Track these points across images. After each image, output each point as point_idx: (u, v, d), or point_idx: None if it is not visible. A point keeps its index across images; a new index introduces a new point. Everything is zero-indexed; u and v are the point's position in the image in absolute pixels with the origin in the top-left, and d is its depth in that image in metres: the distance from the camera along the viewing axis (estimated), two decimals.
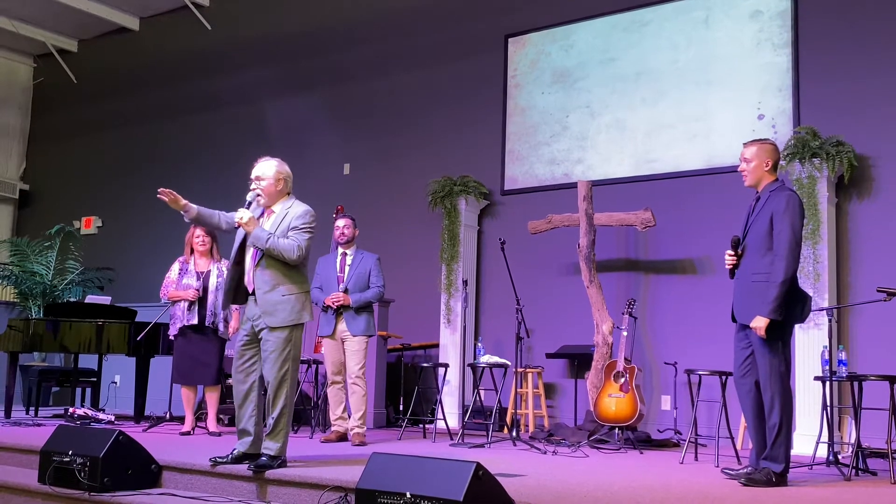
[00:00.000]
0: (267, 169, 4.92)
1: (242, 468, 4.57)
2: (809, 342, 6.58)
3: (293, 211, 4.89)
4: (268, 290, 4.76)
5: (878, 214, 6.95)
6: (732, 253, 4.76)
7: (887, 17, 7.10)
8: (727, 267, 4.80)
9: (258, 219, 4.85)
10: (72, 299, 11.14)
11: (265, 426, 4.75)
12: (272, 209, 4.93)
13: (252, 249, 4.83)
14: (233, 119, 11.27)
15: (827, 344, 5.79)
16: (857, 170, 6.89)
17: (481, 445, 6.30)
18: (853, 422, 5.40)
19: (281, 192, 4.94)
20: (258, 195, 4.89)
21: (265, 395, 4.81)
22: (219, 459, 4.68)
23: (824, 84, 7.30)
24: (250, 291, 4.85)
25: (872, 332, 6.77)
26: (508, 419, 7.57)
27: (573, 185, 7.84)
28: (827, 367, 5.61)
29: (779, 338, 4.56)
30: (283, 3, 11.14)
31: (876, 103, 7.06)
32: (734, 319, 4.77)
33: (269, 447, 4.64)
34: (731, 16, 7.85)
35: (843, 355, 5.71)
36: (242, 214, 4.77)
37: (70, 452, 4.62)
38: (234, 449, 4.77)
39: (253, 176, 4.92)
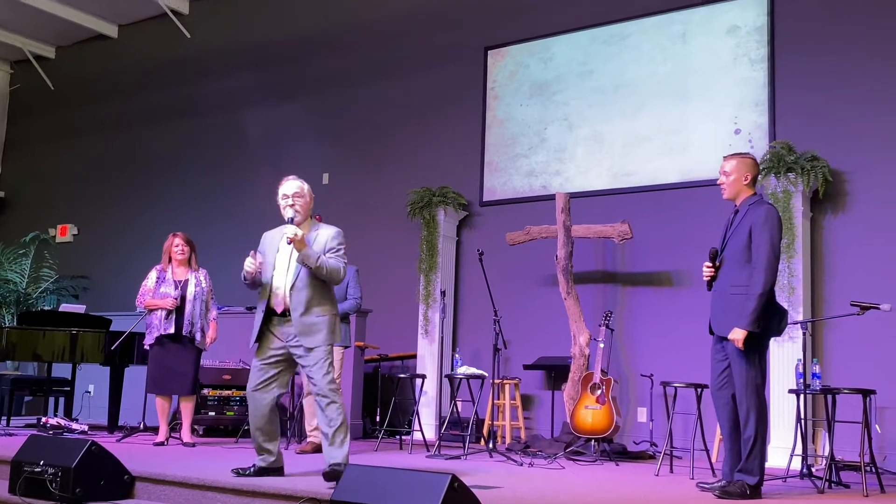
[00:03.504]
0: (303, 186, 4.92)
1: (217, 478, 4.53)
2: (784, 355, 6.63)
3: (326, 232, 4.87)
4: (303, 312, 4.69)
5: (852, 229, 7.02)
6: (710, 265, 4.79)
7: (863, 34, 7.19)
8: (705, 279, 4.82)
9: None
10: (46, 308, 11.04)
11: (326, 436, 4.67)
12: (300, 228, 4.83)
13: (292, 270, 4.74)
14: (211, 128, 11.22)
15: (801, 357, 5.83)
16: (831, 184, 6.96)
17: (458, 457, 6.29)
18: (827, 435, 5.44)
19: (309, 211, 4.95)
20: (297, 212, 4.83)
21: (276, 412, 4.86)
22: (241, 471, 4.66)
23: (800, 99, 7.37)
24: (279, 312, 4.76)
25: (846, 346, 6.82)
26: (485, 431, 7.56)
27: (551, 197, 7.87)
28: (801, 380, 5.65)
29: (755, 350, 4.59)
30: (262, 12, 11.12)
31: (851, 119, 7.14)
32: (711, 332, 4.79)
33: (337, 457, 4.58)
34: (709, 30, 7.92)
35: (817, 368, 5.75)
36: (297, 231, 4.67)
37: (42, 462, 4.56)
38: (254, 464, 4.76)
39: (290, 192, 4.85)
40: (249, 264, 4.79)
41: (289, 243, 4.67)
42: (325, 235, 4.86)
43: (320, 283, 4.77)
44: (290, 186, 4.90)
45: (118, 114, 12.23)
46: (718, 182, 4.89)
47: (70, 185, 12.51)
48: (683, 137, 7.91)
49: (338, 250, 4.82)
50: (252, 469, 4.71)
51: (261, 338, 4.82)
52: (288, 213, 4.80)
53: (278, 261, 4.83)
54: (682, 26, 8.07)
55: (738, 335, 4.52)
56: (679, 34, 8.08)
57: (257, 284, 4.87)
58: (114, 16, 12.27)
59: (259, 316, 4.81)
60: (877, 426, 6.07)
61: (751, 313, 4.50)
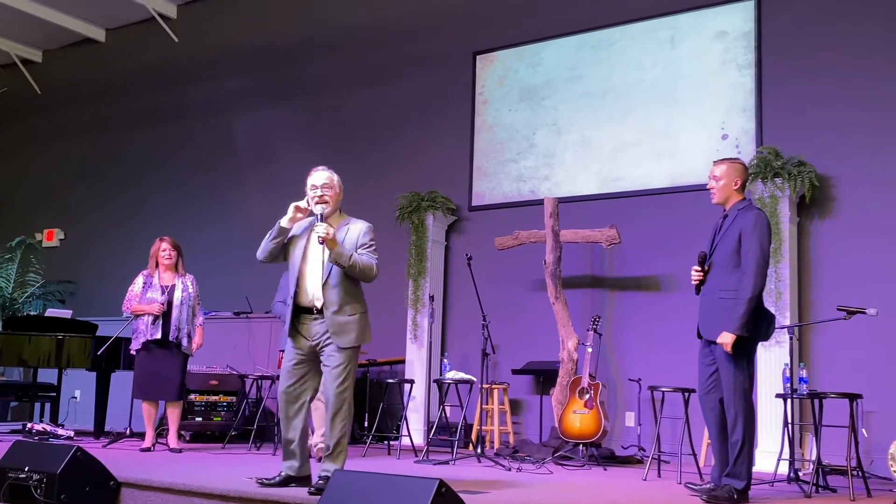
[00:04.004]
0: (332, 176, 4.73)
1: (204, 484, 4.50)
2: (771, 359, 6.64)
3: (356, 227, 4.69)
4: (336, 310, 4.53)
5: (838, 234, 7.05)
6: (699, 269, 4.79)
7: (850, 40, 7.23)
8: (693, 283, 4.83)
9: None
10: (32, 313, 10.99)
11: (325, 447, 4.55)
12: (329, 222, 4.63)
13: (324, 266, 4.57)
14: (199, 131, 11.19)
15: (788, 361, 5.86)
16: (818, 190, 6.99)
17: (446, 462, 6.28)
18: (814, 439, 5.46)
19: (338, 204, 4.75)
20: (326, 203, 4.63)
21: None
22: (266, 481, 4.50)
23: (787, 105, 7.40)
24: (312, 310, 4.58)
25: (833, 350, 6.84)
26: (474, 435, 7.55)
27: (540, 202, 7.87)
28: (788, 385, 5.67)
29: (744, 354, 4.60)
30: (250, 15, 11.11)
31: (837, 124, 7.17)
32: (700, 336, 4.80)
33: (329, 469, 4.41)
34: (697, 36, 7.95)
35: (804, 373, 5.78)
36: (328, 229, 4.46)
37: (26, 468, 4.53)
38: (281, 472, 4.59)
39: (319, 184, 4.65)
40: (305, 203, 4.61)
41: (321, 243, 4.47)
42: (355, 231, 4.67)
43: (352, 279, 4.61)
44: (319, 177, 4.70)
45: (105, 118, 12.18)
46: (708, 186, 4.90)
47: (57, 190, 12.45)
48: (671, 142, 7.92)
49: (370, 246, 4.64)
50: (278, 478, 4.55)
51: (289, 336, 4.66)
52: (317, 210, 4.60)
53: (310, 256, 4.63)
54: (670, 32, 8.10)
55: (727, 339, 4.52)
56: (667, 39, 8.10)
57: (277, 248, 4.64)
58: (101, 20, 12.22)
59: (289, 312, 4.62)
60: (863, 430, 6.09)
61: (740, 317, 4.52)
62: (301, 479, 4.58)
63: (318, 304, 4.57)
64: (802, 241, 7.15)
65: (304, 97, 10.42)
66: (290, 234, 4.69)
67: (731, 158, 5.02)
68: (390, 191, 9.05)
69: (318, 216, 4.56)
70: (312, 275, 4.61)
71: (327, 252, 4.53)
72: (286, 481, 4.54)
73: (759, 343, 4.88)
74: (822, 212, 7.14)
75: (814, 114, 7.28)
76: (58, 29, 12.06)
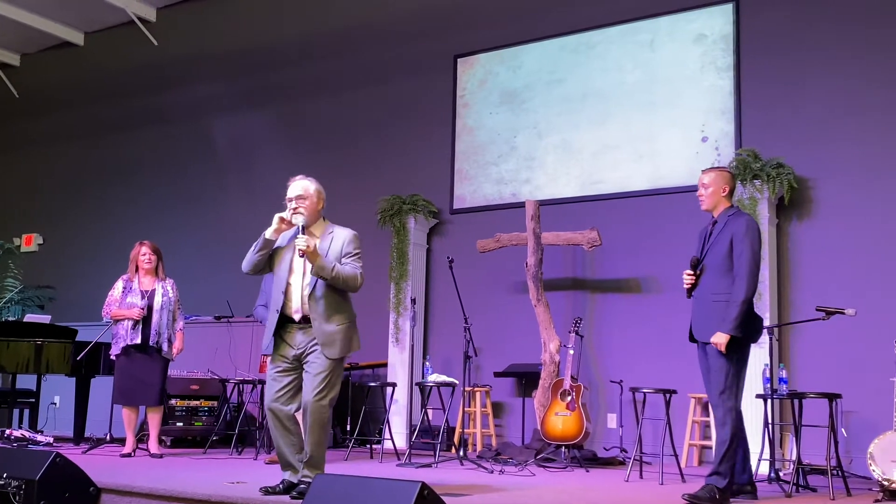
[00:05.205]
0: (308, 186, 4.64)
1: (185, 490, 4.48)
2: (752, 360, 6.62)
3: (341, 235, 4.62)
4: (323, 321, 4.48)
5: (817, 235, 7.10)
6: (691, 273, 4.86)
7: (828, 42, 7.29)
8: (685, 287, 4.89)
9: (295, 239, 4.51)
10: (10, 318, 10.90)
11: (304, 453, 4.50)
12: (311, 231, 4.58)
13: (305, 277, 4.51)
14: (179, 135, 11.13)
15: (769, 362, 5.89)
16: (796, 191, 7.04)
17: (428, 465, 6.28)
18: (794, 439, 5.50)
19: (319, 212, 4.67)
20: (302, 214, 4.54)
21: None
22: (269, 489, 4.44)
23: (766, 107, 7.45)
24: (297, 320, 4.54)
25: (813, 351, 6.89)
26: (456, 438, 7.54)
27: (521, 205, 7.89)
28: (768, 385, 5.71)
29: (735, 354, 4.69)
30: (230, 19, 11.07)
31: (815, 126, 7.22)
32: (692, 339, 4.86)
33: (309, 475, 4.36)
34: (676, 39, 7.99)
35: (784, 373, 5.81)
36: (309, 242, 4.38)
37: (5, 475, 4.49)
38: (283, 480, 4.52)
39: (293, 195, 4.56)
40: (288, 214, 4.53)
41: (301, 255, 4.40)
42: (340, 239, 4.61)
43: (337, 290, 4.55)
44: (294, 189, 4.63)
45: (84, 122, 12.10)
46: (698, 194, 4.99)
47: (36, 194, 12.35)
48: (651, 145, 7.95)
49: (354, 255, 4.59)
50: (281, 486, 4.48)
51: (273, 345, 4.59)
52: (297, 221, 4.52)
53: (296, 267, 4.57)
54: (649, 35, 8.13)
55: (721, 339, 4.61)
56: (647, 43, 8.14)
57: (262, 261, 4.57)
58: (80, 23, 12.13)
59: (273, 321, 4.56)
60: (843, 430, 6.14)
61: (734, 319, 4.61)
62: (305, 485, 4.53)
63: (298, 317, 4.53)
64: (781, 242, 7.20)
65: (284, 100, 10.40)
66: (275, 246, 4.63)
67: (719, 167, 5.21)
68: (371, 194, 9.03)
69: (300, 227, 4.51)
70: (298, 286, 4.56)
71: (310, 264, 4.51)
72: (290, 488, 4.48)
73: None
74: (801, 213, 7.19)
75: (792, 116, 7.34)
76: (36, 32, 11.95)
